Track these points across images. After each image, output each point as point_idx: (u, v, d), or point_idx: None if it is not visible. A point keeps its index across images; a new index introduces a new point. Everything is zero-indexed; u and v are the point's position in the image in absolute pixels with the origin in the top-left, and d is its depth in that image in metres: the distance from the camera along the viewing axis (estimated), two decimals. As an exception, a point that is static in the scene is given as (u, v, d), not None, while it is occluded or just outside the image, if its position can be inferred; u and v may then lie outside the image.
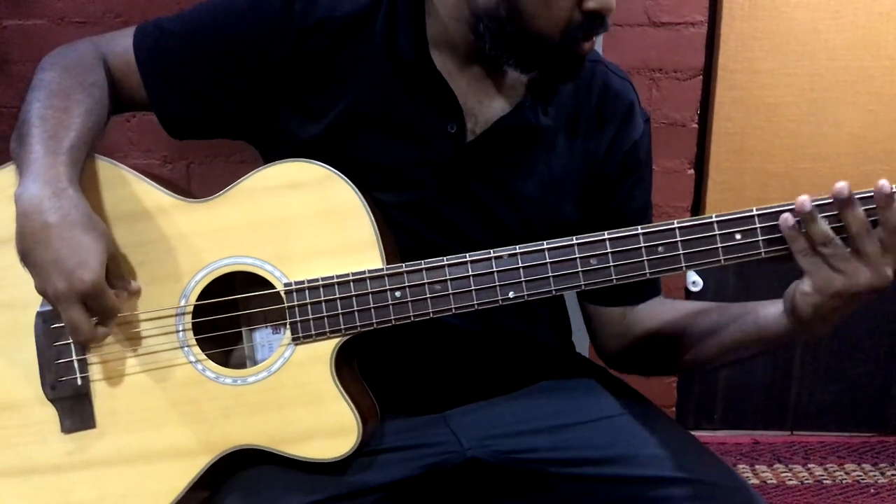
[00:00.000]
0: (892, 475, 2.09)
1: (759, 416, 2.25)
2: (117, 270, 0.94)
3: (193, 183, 1.93)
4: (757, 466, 2.11)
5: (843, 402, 2.24)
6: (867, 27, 1.91)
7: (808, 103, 1.95)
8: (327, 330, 0.95)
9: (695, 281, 2.11)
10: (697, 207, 2.03)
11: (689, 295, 2.13)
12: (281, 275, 0.96)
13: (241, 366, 1.02)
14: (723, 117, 1.97)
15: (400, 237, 1.01)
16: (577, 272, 0.92)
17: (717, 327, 0.99)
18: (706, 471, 1.00)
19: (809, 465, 2.12)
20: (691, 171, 2.02)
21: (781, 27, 1.91)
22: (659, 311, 1.09)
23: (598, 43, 1.68)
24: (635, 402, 1.12)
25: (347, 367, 0.99)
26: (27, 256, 0.89)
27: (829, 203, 0.85)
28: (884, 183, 0.83)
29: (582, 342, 1.26)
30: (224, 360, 1.02)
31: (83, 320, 0.89)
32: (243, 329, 1.03)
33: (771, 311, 0.93)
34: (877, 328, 2.19)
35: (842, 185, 0.84)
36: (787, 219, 0.86)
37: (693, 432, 2.17)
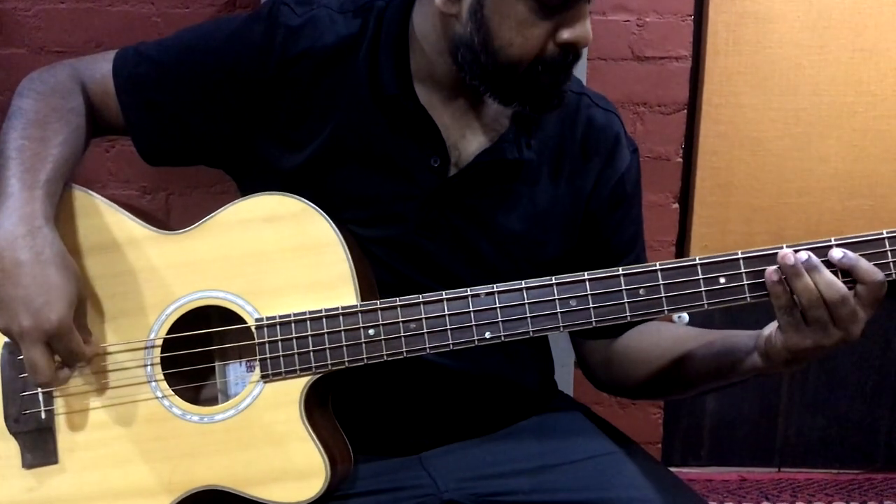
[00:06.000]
0: (881, 514, 2.07)
1: (746, 453, 2.22)
2: (84, 318, 0.93)
3: (173, 214, 1.91)
4: (744, 504, 2.09)
5: (830, 439, 2.22)
6: (850, 63, 1.92)
7: (792, 138, 1.96)
8: (297, 367, 0.92)
9: (680, 315, 2.09)
10: (682, 241, 2.02)
11: (675, 330, 2.11)
12: (253, 310, 0.94)
13: (216, 402, 0.99)
14: (707, 151, 1.96)
15: (379, 273, 0.99)
16: (556, 313, 0.90)
17: (696, 358, 1.00)
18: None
19: (797, 504, 2.10)
20: (676, 205, 2.01)
21: (765, 62, 1.92)
22: (644, 338, 1.07)
23: (583, 77, 1.68)
24: (618, 441, 1.10)
25: (320, 408, 0.96)
26: None
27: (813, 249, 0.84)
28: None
29: (564, 380, 1.23)
30: (198, 395, 1.00)
31: (44, 361, 0.88)
32: (216, 364, 1.01)
33: (745, 351, 0.92)
34: (863, 363, 2.17)
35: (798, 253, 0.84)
36: (772, 274, 0.85)
37: (680, 469, 2.17)
